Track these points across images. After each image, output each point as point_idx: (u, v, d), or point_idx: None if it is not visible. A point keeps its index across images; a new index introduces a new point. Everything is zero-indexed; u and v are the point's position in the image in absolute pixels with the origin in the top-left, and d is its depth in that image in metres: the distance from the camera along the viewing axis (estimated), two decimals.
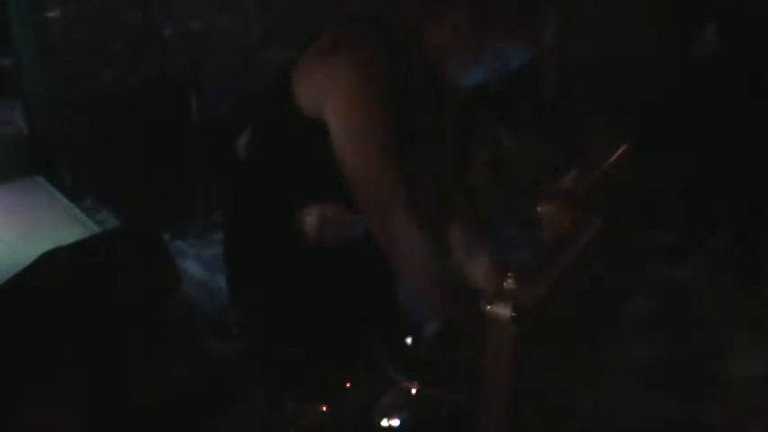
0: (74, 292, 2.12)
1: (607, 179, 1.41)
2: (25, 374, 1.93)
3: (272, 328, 1.59)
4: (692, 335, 3.03)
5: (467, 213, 1.67)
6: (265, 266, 1.57)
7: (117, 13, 4.43)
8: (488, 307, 0.99)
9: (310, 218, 1.46)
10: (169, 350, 2.33)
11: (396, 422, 1.30)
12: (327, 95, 1.32)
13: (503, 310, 0.98)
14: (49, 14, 4.43)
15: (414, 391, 1.33)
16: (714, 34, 3.14)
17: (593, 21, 4.25)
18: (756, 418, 2.52)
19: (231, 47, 4.45)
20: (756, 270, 3.43)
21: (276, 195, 1.48)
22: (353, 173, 1.32)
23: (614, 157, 1.43)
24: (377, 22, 1.38)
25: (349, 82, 1.30)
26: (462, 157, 1.71)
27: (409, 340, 1.54)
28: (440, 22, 1.32)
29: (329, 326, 1.53)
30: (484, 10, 1.30)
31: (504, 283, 1.55)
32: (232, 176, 1.68)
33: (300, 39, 1.43)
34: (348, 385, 1.39)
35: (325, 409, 1.37)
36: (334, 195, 1.41)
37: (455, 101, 1.56)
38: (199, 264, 3.78)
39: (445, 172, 1.67)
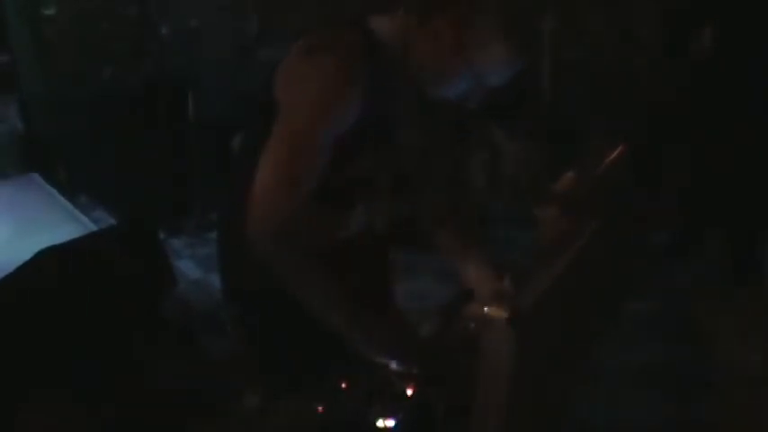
0: (70, 290, 2.12)
1: (605, 180, 1.41)
2: (22, 374, 1.93)
3: (267, 328, 1.58)
4: (692, 335, 3.04)
5: (461, 214, 1.67)
6: (260, 267, 1.56)
7: (114, 10, 4.42)
8: (485, 309, 0.99)
9: None
10: (165, 349, 2.33)
11: (391, 423, 1.29)
12: (290, 89, 1.33)
13: (499, 312, 0.97)
14: (46, 12, 4.42)
15: (410, 391, 1.33)
16: (712, 35, 3.15)
17: (592, 22, 4.25)
18: (756, 418, 2.52)
19: (228, 45, 4.45)
20: (755, 270, 3.44)
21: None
22: (267, 159, 1.31)
23: (612, 158, 1.43)
24: (360, 26, 1.37)
25: (314, 81, 1.30)
26: (453, 159, 1.71)
27: None
28: (424, 26, 1.32)
29: (324, 327, 1.52)
30: (468, 15, 1.29)
31: (501, 285, 1.55)
32: (226, 176, 1.68)
33: (297, 38, 1.43)
34: (344, 386, 1.39)
35: (320, 409, 1.36)
36: (320, 195, 1.40)
37: (443, 105, 1.55)
38: (194, 263, 3.78)
39: (435, 173, 1.67)
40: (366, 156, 1.43)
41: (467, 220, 1.67)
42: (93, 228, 3.08)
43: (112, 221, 3.91)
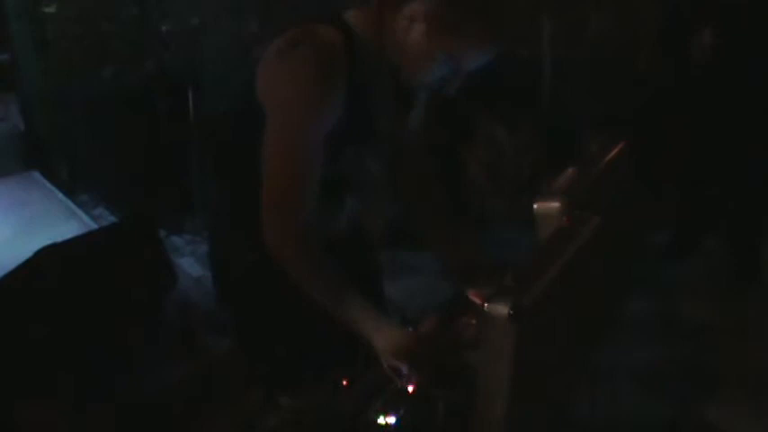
0: (70, 288, 2.12)
1: (605, 178, 1.41)
2: (22, 372, 1.93)
3: (266, 327, 1.58)
4: (692, 335, 3.04)
5: (451, 211, 1.67)
6: (254, 265, 1.56)
7: (114, 9, 4.42)
8: (486, 307, 0.99)
9: None
10: (166, 347, 2.33)
11: (392, 420, 1.29)
12: (274, 91, 1.35)
13: (500, 309, 0.97)
14: (46, 10, 4.42)
15: (411, 388, 1.33)
16: (712, 35, 3.15)
17: (592, 20, 4.26)
18: (756, 418, 2.52)
19: (228, 45, 4.45)
20: (755, 270, 3.44)
21: (254, 192, 1.46)
22: (266, 165, 1.34)
23: (611, 155, 1.43)
24: (339, 21, 1.38)
25: (294, 82, 1.31)
26: (440, 151, 1.71)
27: None
28: (397, 13, 1.32)
29: (324, 323, 1.52)
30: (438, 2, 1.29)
31: (492, 284, 1.55)
32: (220, 175, 1.68)
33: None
34: (345, 383, 1.39)
35: (321, 407, 1.36)
36: None
37: (427, 99, 1.55)
38: (195, 261, 3.77)
39: (419, 169, 1.67)
40: (352, 149, 1.44)
41: (455, 218, 1.68)
42: (93, 226, 3.09)
43: (113, 219, 3.92)
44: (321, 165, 1.36)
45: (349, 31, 1.36)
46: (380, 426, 1.30)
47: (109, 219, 4.03)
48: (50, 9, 4.40)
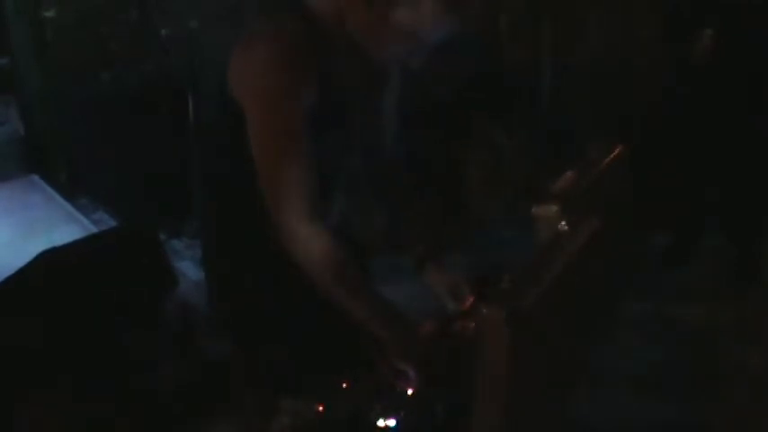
0: (71, 292, 2.12)
1: (603, 180, 1.41)
2: (23, 374, 1.93)
3: (266, 328, 1.58)
4: (692, 335, 3.04)
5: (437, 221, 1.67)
6: (251, 267, 1.56)
7: (114, 12, 4.42)
8: (484, 309, 0.99)
9: None
10: (166, 350, 2.33)
11: (392, 423, 1.30)
12: (246, 86, 1.35)
13: (498, 312, 0.98)
14: (46, 14, 4.42)
15: (410, 391, 1.33)
16: (713, 36, 3.15)
17: (591, 22, 4.26)
18: (756, 418, 2.52)
19: (228, 47, 4.45)
20: (755, 270, 3.44)
21: (243, 191, 1.46)
22: (257, 161, 1.34)
23: (610, 158, 1.43)
24: (302, 10, 1.38)
25: (263, 73, 1.32)
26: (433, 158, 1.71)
27: None
28: None
29: (323, 326, 1.52)
30: None
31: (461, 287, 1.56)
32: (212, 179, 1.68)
33: None
34: (344, 385, 1.39)
35: (321, 409, 1.37)
36: None
37: (397, 81, 1.56)
38: (194, 264, 3.77)
39: (391, 160, 1.67)
40: (329, 141, 1.43)
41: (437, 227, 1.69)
42: (93, 229, 3.09)
43: (113, 223, 3.92)
44: (309, 149, 1.34)
45: (312, 18, 1.36)
46: (380, 428, 1.30)
47: (109, 222, 4.03)
48: (50, 13, 4.40)
